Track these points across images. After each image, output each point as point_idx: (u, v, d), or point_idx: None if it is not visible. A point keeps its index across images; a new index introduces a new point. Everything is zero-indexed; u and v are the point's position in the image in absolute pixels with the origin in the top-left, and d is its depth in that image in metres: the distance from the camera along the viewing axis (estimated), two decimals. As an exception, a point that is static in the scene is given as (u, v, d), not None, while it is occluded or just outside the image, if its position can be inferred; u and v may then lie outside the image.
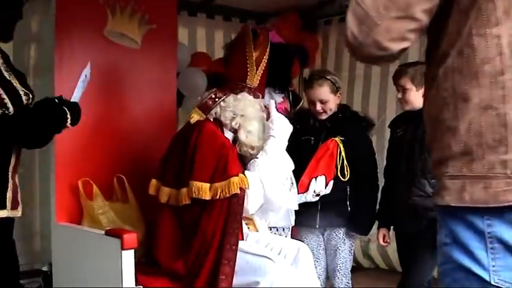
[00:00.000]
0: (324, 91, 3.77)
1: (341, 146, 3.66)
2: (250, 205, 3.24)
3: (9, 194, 2.96)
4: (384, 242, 3.87)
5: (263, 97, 3.51)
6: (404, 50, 1.64)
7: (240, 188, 3.15)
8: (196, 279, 3.12)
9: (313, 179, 3.57)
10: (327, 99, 3.77)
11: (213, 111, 3.36)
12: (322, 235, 3.85)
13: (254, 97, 3.41)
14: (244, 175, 3.21)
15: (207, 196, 3.14)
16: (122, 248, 2.99)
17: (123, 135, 3.80)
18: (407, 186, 3.56)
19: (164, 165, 3.37)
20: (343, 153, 3.66)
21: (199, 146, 3.21)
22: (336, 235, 3.81)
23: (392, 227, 3.86)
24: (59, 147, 3.42)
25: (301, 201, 3.57)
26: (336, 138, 3.69)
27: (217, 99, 3.37)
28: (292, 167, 3.43)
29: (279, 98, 4.23)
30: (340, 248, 3.82)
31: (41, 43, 4.69)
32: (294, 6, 5.82)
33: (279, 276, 3.12)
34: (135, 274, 3.06)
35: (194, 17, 5.67)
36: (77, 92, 3.05)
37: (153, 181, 3.36)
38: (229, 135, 3.38)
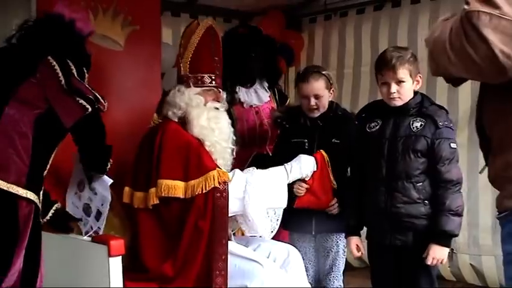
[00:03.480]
0: (319, 86, 3.67)
1: (326, 158, 3.56)
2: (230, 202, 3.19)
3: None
4: (357, 252, 3.44)
5: (190, 85, 3.40)
6: None
7: (221, 182, 3.13)
8: (187, 278, 3.09)
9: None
10: (322, 94, 3.67)
11: (164, 110, 3.37)
12: (315, 237, 3.78)
13: (185, 87, 3.37)
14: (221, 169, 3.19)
15: (180, 194, 3.13)
16: (109, 255, 2.96)
17: (108, 138, 3.72)
18: (388, 191, 3.17)
19: (134, 171, 3.33)
20: (329, 166, 3.57)
21: (164, 145, 3.20)
22: (329, 237, 3.75)
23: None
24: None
25: None
26: (321, 151, 3.58)
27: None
28: (285, 205, 3.38)
29: (266, 97, 4.18)
30: (332, 250, 3.76)
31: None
32: (278, 5, 5.81)
33: (267, 279, 3.11)
34: (123, 281, 3.01)
35: (177, 17, 5.65)
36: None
37: (126, 189, 3.33)
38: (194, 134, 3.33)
